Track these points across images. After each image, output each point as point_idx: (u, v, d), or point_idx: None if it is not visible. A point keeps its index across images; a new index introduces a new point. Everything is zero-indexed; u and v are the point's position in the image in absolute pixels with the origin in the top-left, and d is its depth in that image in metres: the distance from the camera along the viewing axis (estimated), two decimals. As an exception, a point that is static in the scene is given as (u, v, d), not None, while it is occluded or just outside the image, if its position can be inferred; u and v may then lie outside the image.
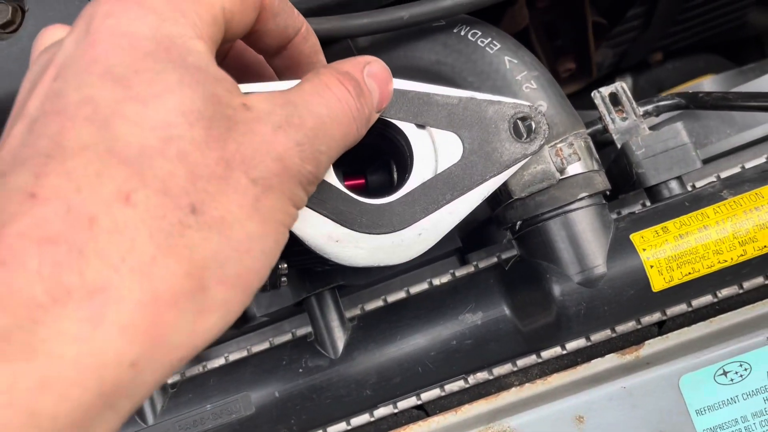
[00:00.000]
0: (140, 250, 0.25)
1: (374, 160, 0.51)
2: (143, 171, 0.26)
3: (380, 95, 0.38)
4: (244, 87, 0.37)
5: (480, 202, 0.45)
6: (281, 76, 0.43)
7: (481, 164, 0.45)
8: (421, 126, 0.45)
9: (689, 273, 0.47)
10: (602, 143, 0.63)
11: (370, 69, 0.37)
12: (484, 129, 0.46)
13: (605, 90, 0.55)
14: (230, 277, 0.27)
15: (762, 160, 0.56)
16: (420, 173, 0.45)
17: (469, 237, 0.73)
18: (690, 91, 0.56)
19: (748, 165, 0.55)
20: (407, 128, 0.45)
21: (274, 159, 0.29)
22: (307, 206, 0.42)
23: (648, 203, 0.55)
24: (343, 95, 0.33)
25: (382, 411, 0.54)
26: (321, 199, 0.42)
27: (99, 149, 0.25)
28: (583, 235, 0.48)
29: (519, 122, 0.46)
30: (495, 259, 0.58)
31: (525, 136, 0.46)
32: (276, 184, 0.29)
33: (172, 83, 0.27)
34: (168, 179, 0.26)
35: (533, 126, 0.46)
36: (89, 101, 0.26)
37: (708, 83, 0.78)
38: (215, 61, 0.31)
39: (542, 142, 0.46)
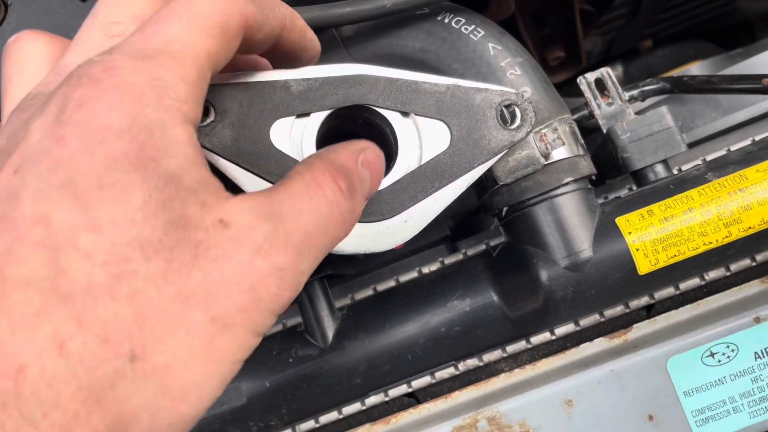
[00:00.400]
0: (64, 405, 0.23)
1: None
2: (85, 313, 0.24)
3: (371, 184, 0.35)
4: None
5: (465, 189, 0.46)
6: (275, 64, 0.42)
7: (469, 152, 0.45)
8: (405, 114, 0.45)
9: (675, 255, 0.48)
10: (590, 129, 0.63)
11: (365, 157, 0.34)
12: (472, 117, 0.46)
13: (591, 76, 0.56)
14: (159, 430, 0.26)
15: (747, 142, 0.56)
16: (405, 161, 0.45)
17: (460, 225, 0.73)
18: (674, 75, 0.56)
19: (734, 148, 0.56)
20: (392, 117, 0.45)
21: (244, 290, 0.27)
22: None
23: (634, 187, 0.55)
24: (335, 196, 0.31)
25: (373, 399, 0.55)
26: None
27: (42, 285, 0.24)
28: (568, 220, 0.48)
29: (505, 109, 0.46)
30: (483, 246, 0.58)
31: (511, 123, 0.46)
32: (239, 321, 0.27)
33: (135, 208, 0.25)
34: (111, 323, 0.24)
35: (519, 113, 0.46)
36: (43, 221, 0.25)
37: (696, 69, 0.78)
38: (198, 144, 0.29)
39: (529, 129, 0.46)
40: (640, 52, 1.10)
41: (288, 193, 0.30)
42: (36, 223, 0.25)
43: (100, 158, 0.25)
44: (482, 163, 0.46)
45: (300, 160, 0.44)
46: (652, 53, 1.09)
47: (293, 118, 0.44)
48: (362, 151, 0.34)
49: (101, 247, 0.25)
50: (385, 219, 0.44)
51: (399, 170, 0.45)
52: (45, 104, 0.28)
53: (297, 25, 0.39)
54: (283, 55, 0.40)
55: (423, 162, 0.45)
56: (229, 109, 0.41)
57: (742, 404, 0.48)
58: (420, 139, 0.45)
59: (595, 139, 0.60)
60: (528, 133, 0.46)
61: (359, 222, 0.44)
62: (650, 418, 0.49)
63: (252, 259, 0.27)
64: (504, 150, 0.46)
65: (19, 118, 0.29)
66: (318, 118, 0.44)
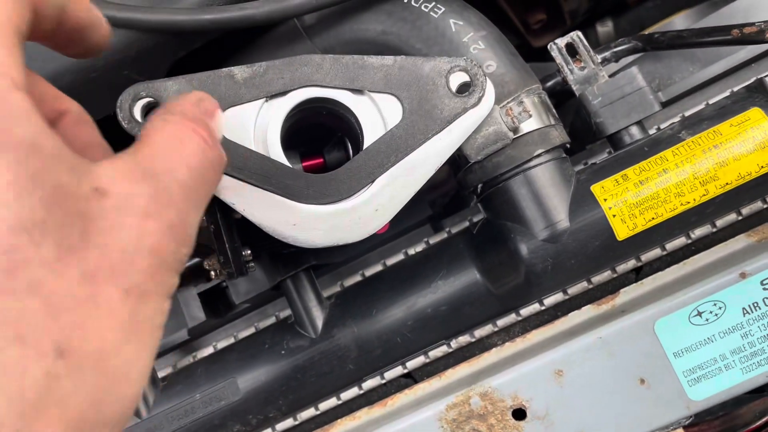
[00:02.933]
0: (0, 423, 0.21)
1: (329, 138, 0.51)
2: None
3: (217, 131, 0.34)
4: None
5: (434, 170, 0.45)
6: (66, 51, 0.35)
7: (422, 123, 0.45)
8: (359, 92, 0.45)
9: (652, 218, 0.47)
10: (570, 94, 0.62)
11: (206, 107, 0.33)
12: (422, 87, 0.45)
13: (561, 41, 0.54)
14: (108, 419, 0.24)
15: (726, 94, 0.55)
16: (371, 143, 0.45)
17: (452, 201, 0.73)
18: (645, 33, 0.55)
19: (713, 101, 0.54)
20: (353, 103, 0.45)
21: (146, 255, 0.26)
22: (254, 185, 0.42)
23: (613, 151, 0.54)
24: (201, 147, 0.30)
25: (370, 383, 0.55)
26: (266, 176, 0.42)
27: None
28: (543, 191, 0.48)
29: (455, 77, 0.46)
30: (467, 223, 0.58)
31: (463, 90, 0.46)
32: (152, 287, 0.26)
33: (2, 189, 0.22)
34: (21, 322, 0.22)
35: (471, 79, 0.45)
36: None
37: (681, 19, 0.76)
38: (39, 110, 0.25)
39: (481, 94, 0.45)
40: (628, 5, 1.07)
41: (154, 150, 0.29)
42: None
43: None
44: (437, 132, 0.45)
45: (262, 150, 0.44)
46: (641, 5, 1.06)
47: (258, 107, 0.44)
48: (201, 101, 0.33)
49: None
50: (343, 199, 0.44)
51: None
52: None
53: None
54: (71, 33, 0.33)
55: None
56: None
57: (734, 361, 0.48)
58: (383, 120, 0.45)
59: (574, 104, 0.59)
60: (480, 98, 0.45)
61: (322, 204, 0.44)
62: (642, 381, 0.49)
63: (142, 223, 0.26)
64: (457, 118, 0.45)
65: None
66: (281, 111, 0.44)
